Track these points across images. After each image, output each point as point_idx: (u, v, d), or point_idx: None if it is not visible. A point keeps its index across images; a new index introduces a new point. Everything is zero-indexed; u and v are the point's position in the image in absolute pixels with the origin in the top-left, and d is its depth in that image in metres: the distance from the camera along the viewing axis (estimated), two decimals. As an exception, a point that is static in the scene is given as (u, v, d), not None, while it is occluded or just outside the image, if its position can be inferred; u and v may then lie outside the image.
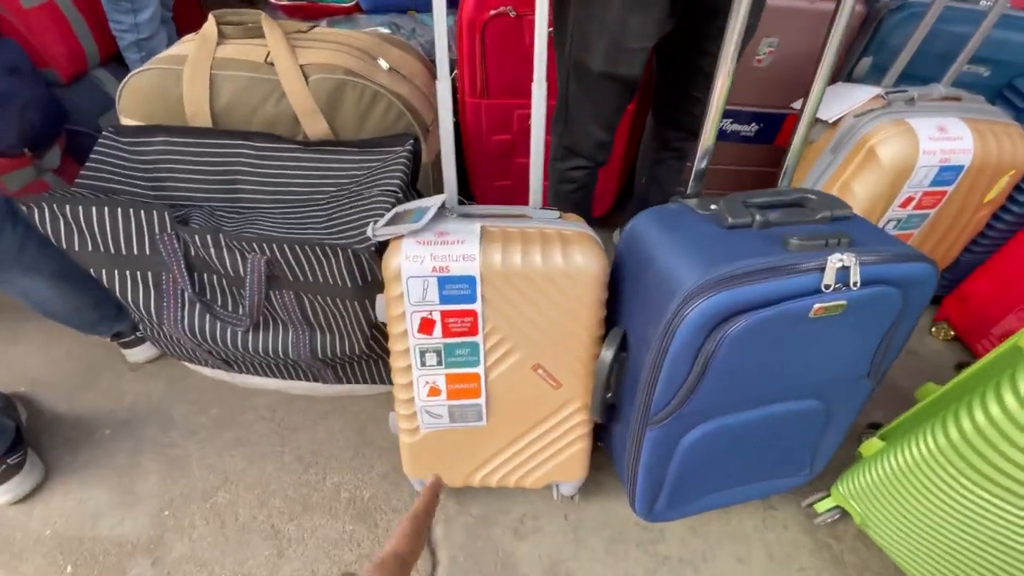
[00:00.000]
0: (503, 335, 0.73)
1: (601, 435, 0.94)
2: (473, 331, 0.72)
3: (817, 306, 0.60)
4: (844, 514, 0.97)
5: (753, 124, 1.32)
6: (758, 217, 0.67)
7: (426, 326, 0.71)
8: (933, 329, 1.37)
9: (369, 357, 0.93)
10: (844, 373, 0.75)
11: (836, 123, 1.05)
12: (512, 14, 1.08)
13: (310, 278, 0.79)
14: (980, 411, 0.65)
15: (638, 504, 0.86)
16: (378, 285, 0.75)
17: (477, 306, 0.69)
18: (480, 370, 0.76)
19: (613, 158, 1.36)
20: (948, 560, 0.76)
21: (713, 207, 0.71)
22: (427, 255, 0.66)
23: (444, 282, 0.67)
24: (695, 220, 0.71)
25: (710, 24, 0.88)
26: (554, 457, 0.87)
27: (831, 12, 0.69)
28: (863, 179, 0.99)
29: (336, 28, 1.40)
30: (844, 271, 0.60)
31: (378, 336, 0.88)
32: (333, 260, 0.76)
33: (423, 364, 0.75)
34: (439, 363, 0.75)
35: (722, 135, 1.34)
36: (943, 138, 0.96)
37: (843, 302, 0.61)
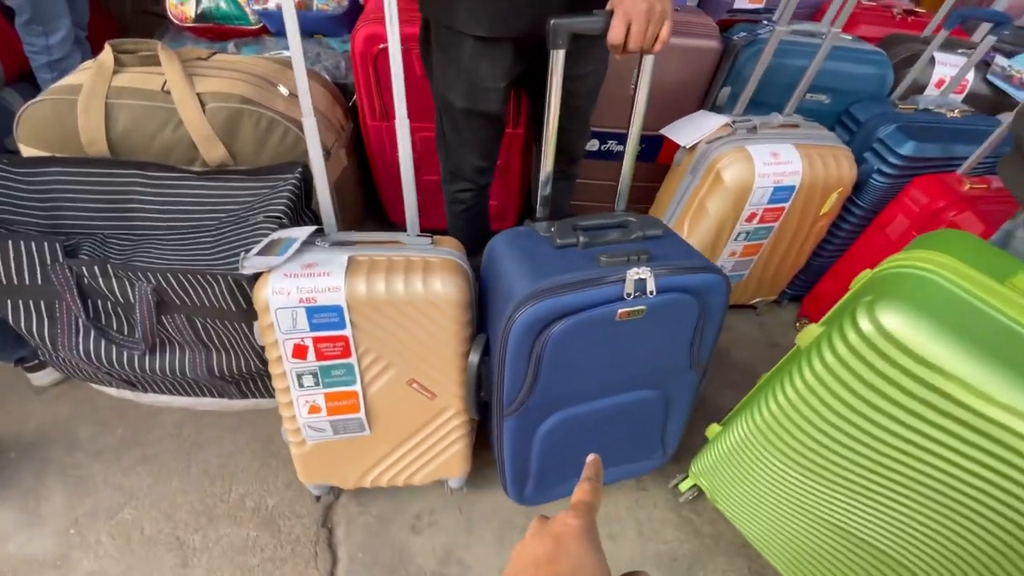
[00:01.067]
0: (376, 355, 0.81)
1: (485, 431, 1.03)
2: (346, 354, 0.79)
3: (621, 310, 0.73)
4: (702, 492, 1.11)
5: (635, 145, 1.45)
6: (582, 238, 0.80)
7: (299, 351, 0.77)
8: (797, 324, 1.55)
9: (267, 373, 0.99)
10: (667, 366, 0.88)
11: (694, 148, 1.18)
12: (400, 48, 1.16)
13: (197, 303, 0.84)
14: (772, 400, 0.79)
15: (510, 489, 0.97)
16: (261, 309, 0.81)
17: (347, 331, 0.76)
18: (357, 388, 0.83)
19: (512, 179, 1.46)
20: (773, 522, 0.91)
21: (552, 229, 0.82)
22: (294, 287, 0.72)
23: (312, 312, 0.74)
24: (536, 240, 0.83)
25: (566, 63, 0.98)
26: (437, 457, 0.96)
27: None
28: (713, 198, 1.14)
29: (243, 52, 1.44)
30: (642, 282, 0.72)
31: (273, 354, 0.94)
32: (216, 286, 0.81)
33: (301, 385, 0.81)
34: (316, 384, 0.81)
35: (610, 155, 1.46)
36: (776, 162, 1.11)
37: (643, 307, 0.73)
